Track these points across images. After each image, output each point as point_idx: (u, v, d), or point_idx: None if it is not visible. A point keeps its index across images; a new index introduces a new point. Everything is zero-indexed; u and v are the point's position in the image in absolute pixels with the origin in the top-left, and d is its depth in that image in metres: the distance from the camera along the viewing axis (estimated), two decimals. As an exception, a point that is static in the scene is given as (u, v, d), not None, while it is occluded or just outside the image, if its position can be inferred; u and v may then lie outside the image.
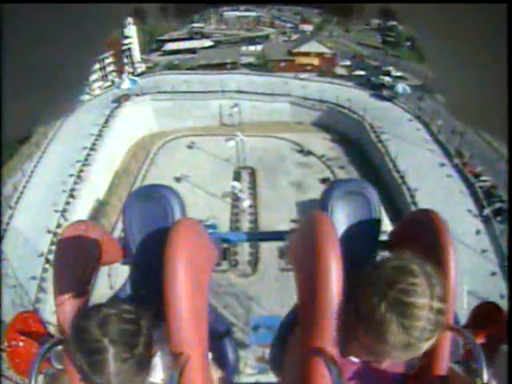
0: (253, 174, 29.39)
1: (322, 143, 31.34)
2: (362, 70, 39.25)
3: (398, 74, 37.85)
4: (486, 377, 1.10)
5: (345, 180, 1.80)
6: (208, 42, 46.00)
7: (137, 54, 44.22)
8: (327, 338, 1.09)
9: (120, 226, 23.34)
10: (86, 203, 25.78)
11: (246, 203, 26.09)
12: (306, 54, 39.33)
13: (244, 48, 43.82)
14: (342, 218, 1.58)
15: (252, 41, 45.58)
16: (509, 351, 1.27)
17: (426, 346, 0.97)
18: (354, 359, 1.21)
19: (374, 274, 1.03)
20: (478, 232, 21.41)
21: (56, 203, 24.18)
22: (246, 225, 25.26)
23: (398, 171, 25.90)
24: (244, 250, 21.83)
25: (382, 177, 27.22)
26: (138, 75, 40.19)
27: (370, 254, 1.58)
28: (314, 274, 1.12)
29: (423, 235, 1.26)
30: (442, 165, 26.43)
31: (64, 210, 24.25)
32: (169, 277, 1.13)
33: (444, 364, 1.23)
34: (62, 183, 25.63)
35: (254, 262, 22.12)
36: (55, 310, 1.26)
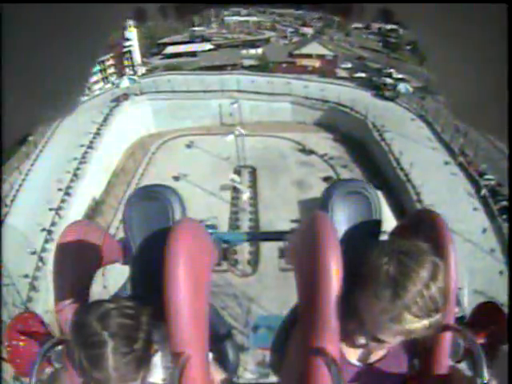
0: (253, 173, 28.98)
1: (323, 142, 31.01)
2: (363, 72, 39.15)
3: (400, 76, 37.94)
4: (486, 377, 1.08)
5: (345, 180, 1.85)
6: (208, 46, 46.11)
7: (137, 57, 44.31)
8: (327, 338, 1.10)
9: (116, 225, 23.16)
10: (82, 202, 25.48)
11: (246, 195, 25.82)
12: (307, 56, 39.25)
13: (244, 51, 43.80)
14: (342, 218, 1.57)
15: (252, 44, 45.64)
16: (509, 351, 1.26)
17: (411, 325, 0.96)
18: (356, 362, 1.22)
19: (383, 243, 1.09)
20: (484, 230, 21.12)
21: (51, 201, 23.84)
22: (246, 224, 24.75)
23: (402, 169, 25.58)
24: (244, 248, 21.28)
25: (386, 175, 26.96)
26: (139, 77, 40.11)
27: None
28: (314, 274, 1.13)
29: (424, 236, 1.20)
30: (447, 163, 26.21)
31: (59, 208, 23.96)
32: (169, 277, 1.13)
33: (444, 364, 1.23)
34: (58, 181, 25.33)
35: (254, 262, 21.45)
36: (55, 310, 1.27)
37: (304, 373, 1.12)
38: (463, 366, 1.25)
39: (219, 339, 1.79)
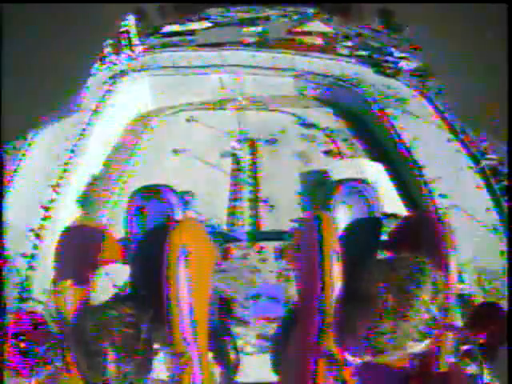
0: (254, 145, 28.79)
1: (325, 117, 30.85)
2: (364, 50, 38.68)
3: (401, 55, 37.47)
4: (486, 376, 1.10)
5: (346, 180, 1.70)
6: (207, 24, 45.22)
7: (135, 35, 43.51)
8: (327, 337, 1.10)
9: (113, 201, 23.01)
10: (81, 178, 25.26)
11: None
12: (308, 33, 38.67)
13: (244, 28, 43.10)
14: (342, 218, 1.57)
15: (252, 22, 44.88)
16: (509, 351, 1.27)
17: (411, 349, 0.97)
18: (356, 360, 1.22)
19: (387, 262, 1.04)
20: (487, 208, 21.17)
21: (50, 178, 23.61)
22: (246, 196, 24.63)
23: (403, 144, 25.49)
24: (245, 217, 21.27)
25: (387, 149, 26.96)
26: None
27: (371, 253, 1.54)
28: (314, 274, 1.13)
29: (425, 236, 1.22)
30: (449, 140, 26.03)
31: (57, 185, 23.68)
32: (169, 276, 1.14)
33: (444, 363, 1.22)
34: (57, 158, 25.02)
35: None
36: (55, 309, 1.27)
37: (304, 372, 1.12)
38: (463, 366, 1.24)
39: (219, 338, 1.79)
